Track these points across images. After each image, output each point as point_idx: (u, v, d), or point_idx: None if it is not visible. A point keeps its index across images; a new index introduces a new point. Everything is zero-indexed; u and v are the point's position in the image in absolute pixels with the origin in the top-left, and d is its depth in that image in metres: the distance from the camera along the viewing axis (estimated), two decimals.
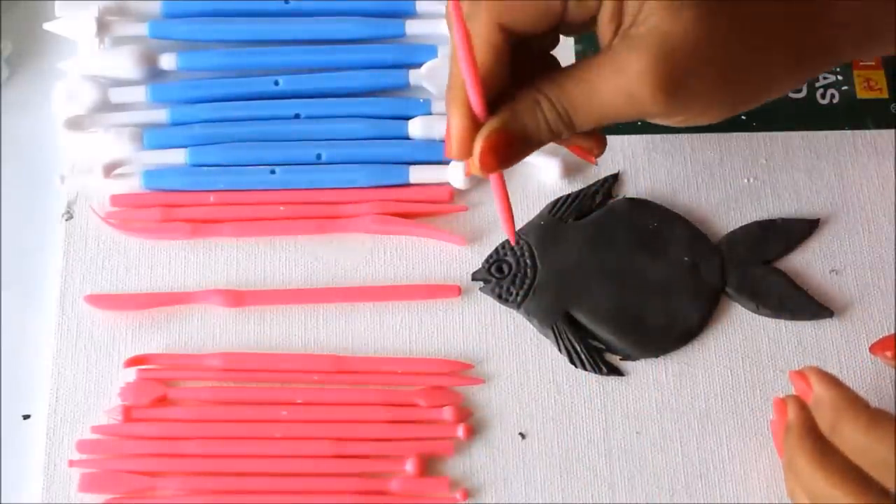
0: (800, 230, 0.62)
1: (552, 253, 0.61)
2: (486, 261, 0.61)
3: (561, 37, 0.52)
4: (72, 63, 0.64)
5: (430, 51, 0.65)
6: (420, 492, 0.55)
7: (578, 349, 0.58)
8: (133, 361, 0.58)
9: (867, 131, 0.65)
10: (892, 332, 0.59)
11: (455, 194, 0.62)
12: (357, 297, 0.60)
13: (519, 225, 0.61)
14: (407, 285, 0.60)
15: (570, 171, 0.63)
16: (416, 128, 0.63)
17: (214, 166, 0.62)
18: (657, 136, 0.64)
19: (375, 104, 0.64)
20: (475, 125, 0.48)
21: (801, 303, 0.60)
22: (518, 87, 0.49)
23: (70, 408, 0.57)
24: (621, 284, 0.60)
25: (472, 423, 0.57)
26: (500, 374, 0.59)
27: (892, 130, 0.64)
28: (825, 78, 0.66)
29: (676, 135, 0.64)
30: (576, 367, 0.59)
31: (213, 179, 0.62)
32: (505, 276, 0.60)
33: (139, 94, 0.64)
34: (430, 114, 0.64)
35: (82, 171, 0.62)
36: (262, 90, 0.64)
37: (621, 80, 0.47)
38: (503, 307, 0.60)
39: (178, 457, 0.56)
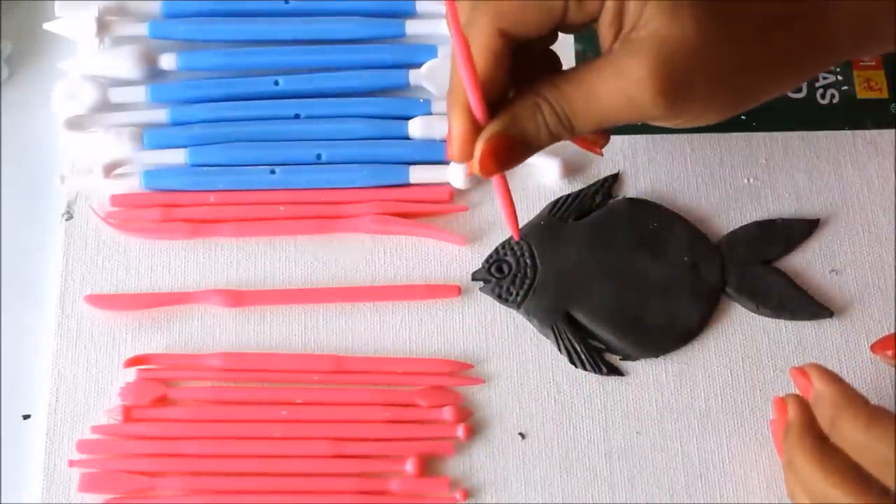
0: (800, 230, 0.62)
1: (552, 253, 0.60)
2: (486, 261, 0.61)
3: (560, 34, 0.52)
4: (72, 63, 0.64)
5: (430, 51, 0.65)
6: (420, 492, 0.55)
7: (578, 349, 0.58)
8: (133, 361, 0.58)
9: (867, 131, 0.65)
10: (893, 331, 0.59)
11: (455, 194, 0.62)
12: (357, 297, 0.60)
13: (519, 225, 0.61)
14: (407, 285, 0.60)
15: (570, 171, 0.63)
16: (416, 128, 0.63)
17: (214, 166, 0.62)
18: (657, 136, 0.64)
19: (375, 104, 0.64)
20: (476, 129, 0.48)
21: (801, 303, 0.60)
22: (518, 86, 0.49)
23: (70, 408, 0.57)
24: (621, 284, 0.60)
25: (472, 423, 0.57)
26: (500, 374, 0.59)
27: (892, 130, 0.64)
28: (825, 78, 0.66)
29: (676, 135, 0.64)
30: (576, 367, 0.59)
31: (212, 179, 0.62)
32: (505, 276, 0.60)
33: (139, 94, 0.64)
34: (430, 114, 0.64)
35: (82, 171, 0.62)
36: (262, 90, 0.64)
37: (621, 84, 0.47)
38: (503, 307, 0.60)
39: (177, 457, 0.56)
